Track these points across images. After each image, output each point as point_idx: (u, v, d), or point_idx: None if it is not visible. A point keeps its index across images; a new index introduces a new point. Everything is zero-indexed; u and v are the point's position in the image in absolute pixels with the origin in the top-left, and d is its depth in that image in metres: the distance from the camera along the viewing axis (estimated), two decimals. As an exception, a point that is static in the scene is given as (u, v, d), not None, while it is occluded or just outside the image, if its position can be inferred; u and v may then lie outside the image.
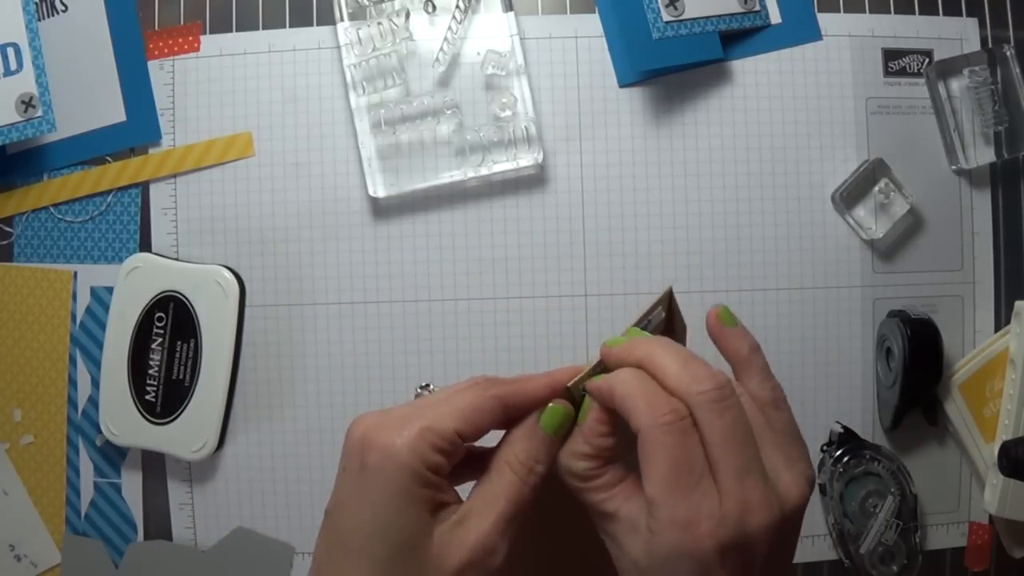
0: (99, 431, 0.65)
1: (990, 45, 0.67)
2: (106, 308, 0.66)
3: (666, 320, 0.40)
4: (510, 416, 0.36)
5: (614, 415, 0.35)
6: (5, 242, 0.67)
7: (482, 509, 0.34)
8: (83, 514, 0.67)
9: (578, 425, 0.36)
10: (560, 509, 0.38)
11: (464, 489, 0.37)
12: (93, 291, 0.67)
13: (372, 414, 0.35)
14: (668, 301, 0.40)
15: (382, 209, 0.66)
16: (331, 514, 0.35)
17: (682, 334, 0.42)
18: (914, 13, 0.67)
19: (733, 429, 0.33)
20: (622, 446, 0.35)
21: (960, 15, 0.68)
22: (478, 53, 0.65)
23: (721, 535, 0.31)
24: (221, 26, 0.67)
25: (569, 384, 0.36)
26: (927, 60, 0.67)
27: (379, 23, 0.64)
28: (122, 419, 0.64)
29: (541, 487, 0.36)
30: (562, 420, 0.36)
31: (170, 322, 0.64)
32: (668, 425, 0.33)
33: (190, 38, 0.67)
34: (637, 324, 0.38)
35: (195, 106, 0.66)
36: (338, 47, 0.65)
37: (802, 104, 0.67)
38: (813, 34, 0.67)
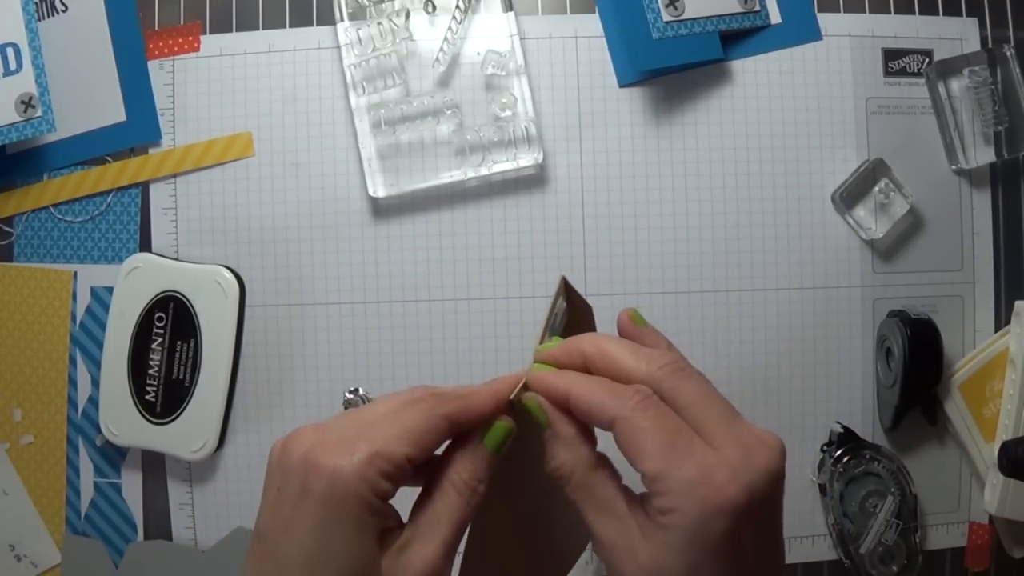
0: (99, 431, 0.65)
1: (990, 45, 0.67)
2: (106, 308, 0.66)
3: (569, 308, 0.41)
4: (454, 435, 0.35)
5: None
6: (5, 242, 0.67)
7: (426, 534, 0.33)
8: (83, 514, 0.67)
9: (542, 429, 0.35)
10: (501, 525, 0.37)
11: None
12: (93, 291, 0.67)
13: (309, 430, 0.33)
14: (565, 290, 0.40)
15: (382, 209, 0.66)
16: (267, 538, 0.32)
17: (589, 314, 0.42)
18: (914, 13, 0.67)
19: (704, 386, 0.34)
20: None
21: (960, 15, 0.68)
22: (478, 53, 0.65)
23: (740, 479, 0.31)
24: (221, 26, 0.67)
25: (512, 397, 0.35)
26: (927, 60, 0.67)
27: (379, 23, 0.64)
28: (122, 419, 0.64)
29: (481, 505, 0.35)
30: (505, 437, 0.35)
31: (170, 322, 0.64)
32: (641, 403, 0.33)
33: (190, 38, 0.67)
34: (547, 323, 0.38)
35: (195, 106, 0.66)
36: (338, 47, 0.65)
37: (802, 104, 0.67)
38: (813, 34, 0.67)
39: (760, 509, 0.31)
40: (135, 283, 0.65)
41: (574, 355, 0.36)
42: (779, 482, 0.32)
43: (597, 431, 0.36)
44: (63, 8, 0.66)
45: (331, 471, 0.31)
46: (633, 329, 0.39)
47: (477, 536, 0.37)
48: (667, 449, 0.32)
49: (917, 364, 0.62)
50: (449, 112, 0.65)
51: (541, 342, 0.37)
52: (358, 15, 0.65)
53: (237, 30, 0.67)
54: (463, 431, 0.35)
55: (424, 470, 0.35)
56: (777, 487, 0.32)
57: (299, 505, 0.32)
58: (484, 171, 0.65)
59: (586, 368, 0.36)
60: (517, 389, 0.35)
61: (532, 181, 0.66)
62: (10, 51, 0.62)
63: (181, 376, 0.64)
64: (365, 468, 0.31)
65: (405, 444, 0.33)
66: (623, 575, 0.33)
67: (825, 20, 0.67)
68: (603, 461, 0.36)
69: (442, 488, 0.34)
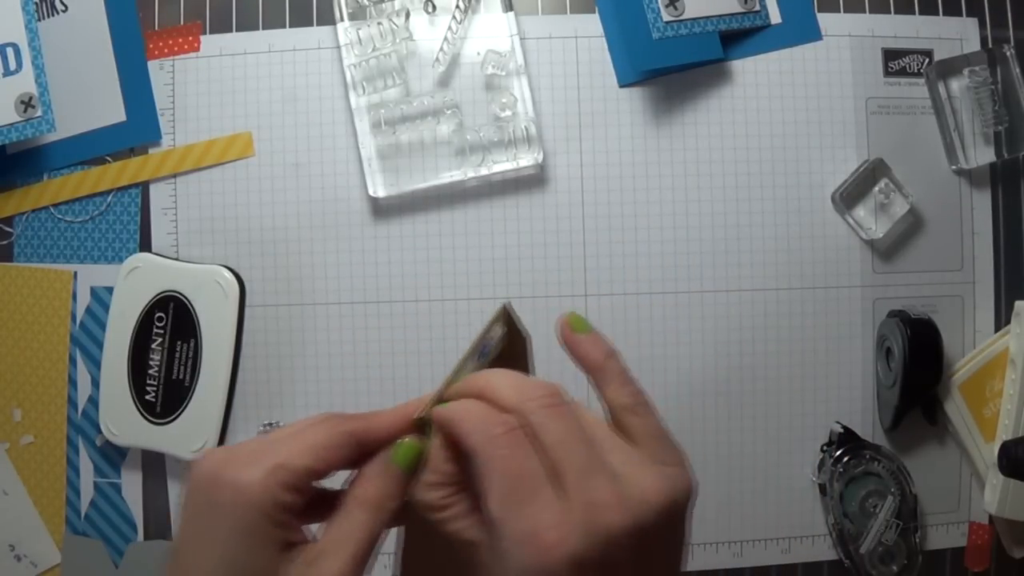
0: (99, 431, 0.65)
1: (990, 45, 0.67)
2: (106, 308, 0.66)
3: (507, 336, 0.40)
4: (362, 452, 0.35)
5: (457, 444, 0.34)
6: (5, 242, 0.67)
7: (334, 549, 0.33)
8: (83, 514, 0.67)
9: (422, 468, 0.35)
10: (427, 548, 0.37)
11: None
12: (93, 291, 0.67)
13: (219, 450, 0.34)
14: (506, 319, 0.39)
15: (382, 209, 0.66)
16: (176, 554, 0.33)
17: (523, 346, 0.41)
18: (914, 13, 0.67)
19: (570, 430, 0.32)
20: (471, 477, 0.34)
21: (960, 15, 0.68)
22: (478, 53, 0.65)
23: (570, 544, 0.29)
24: (221, 26, 0.67)
25: (415, 416, 0.36)
26: (927, 60, 0.67)
27: (379, 23, 0.64)
28: (122, 419, 0.64)
29: (391, 524, 0.35)
30: (413, 455, 0.35)
31: (170, 322, 0.64)
32: (499, 437, 0.31)
33: (190, 38, 0.67)
34: (473, 348, 0.37)
35: (195, 106, 0.66)
36: (338, 47, 0.65)
37: (802, 104, 0.67)
38: (813, 34, 0.67)
39: (598, 568, 0.29)
40: (135, 283, 0.65)
41: (470, 390, 0.35)
42: (631, 544, 0.30)
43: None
44: (63, 8, 0.66)
45: (234, 484, 0.32)
46: (570, 337, 0.38)
47: (419, 560, 0.38)
48: (507, 495, 0.30)
49: (917, 364, 0.62)
50: (449, 112, 0.65)
51: (460, 366, 0.37)
52: (358, 15, 0.65)
53: (237, 30, 0.67)
54: (370, 452, 0.36)
55: (332, 502, 0.35)
56: (626, 549, 0.30)
57: (205, 519, 0.32)
58: (484, 171, 0.65)
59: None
60: (424, 409, 0.35)
61: (532, 181, 0.66)
62: (10, 51, 0.62)
63: (181, 376, 0.64)
64: (267, 480, 0.32)
65: (306, 457, 0.33)
66: (491, 572, 0.32)
67: (825, 20, 0.67)
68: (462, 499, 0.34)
69: (349, 505, 0.35)
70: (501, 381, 0.35)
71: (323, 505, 0.35)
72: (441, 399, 0.36)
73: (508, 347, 0.40)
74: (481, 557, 0.32)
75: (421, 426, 0.36)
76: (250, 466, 0.32)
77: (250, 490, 0.32)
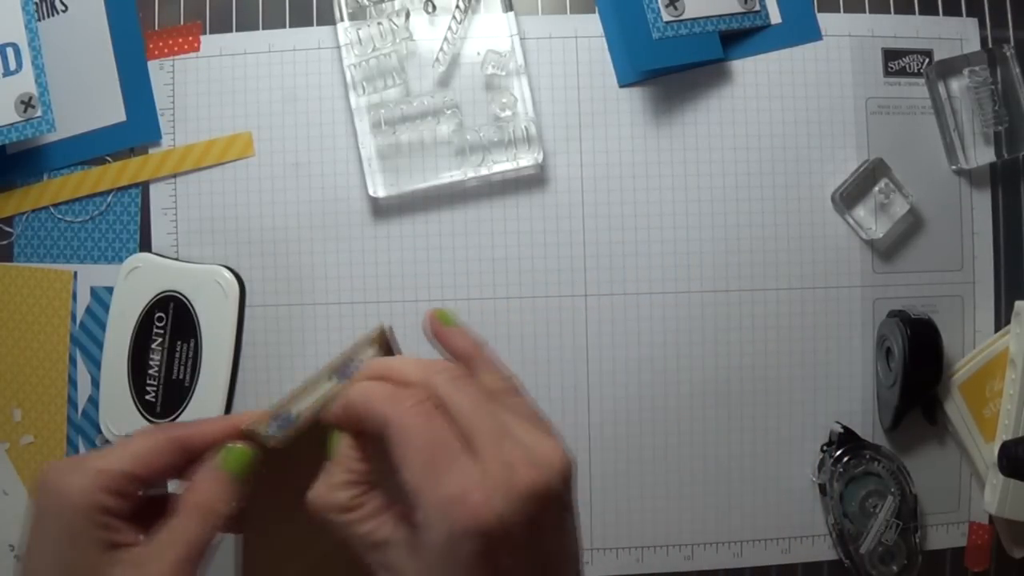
0: (99, 431, 0.65)
1: (990, 45, 0.67)
2: (106, 308, 0.66)
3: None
4: (190, 459, 0.36)
5: (366, 440, 0.34)
6: (5, 242, 0.67)
7: (160, 552, 0.34)
8: (83, 514, 0.67)
9: (330, 460, 0.35)
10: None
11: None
12: (93, 291, 0.67)
13: (54, 461, 0.36)
14: (383, 341, 0.39)
15: (382, 209, 0.66)
16: (22, 559, 0.34)
17: None
18: (914, 13, 0.67)
19: (477, 398, 0.33)
20: (381, 474, 0.34)
21: (960, 15, 0.68)
22: (478, 53, 0.65)
23: (496, 502, 0.30)
24: (221, 26, 0.67)
25: (243, 427, 0.36)
26: (927, 60, 0.67)
27: (379, 23, 0.64)
28: (122, 419, 0.64)
29: (221, 527, 0.35)
30: (242, 460, 0.36)
31: (170, 322, 0.64)
32: (412, 408, 0.32)
33: (190, 38, 0.67)
34: (332, 368, 0.37)
35: (195, 106, 0.66)
36: (338, 47, 0.65)
37: (802, 104, 0.67)
38: (813, 34, 0.67)
39: (521, 532, 0.31)
40: (135, 283, 0.65)
41: (371, 374, 0.36)
42: (546, 504, 0.31)
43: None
44: (63, 8, 0.66)
45: (57, 489, 0.34)
46: (440, 330, 0.39)
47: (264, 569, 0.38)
48: (427, 462, 0.31)
49: (917, 364, 0.62)
50: (449, 112, 0.65)
51: (312, 381, 0.37)
52: (358, 15, 0.65)
53: (237, 30, 0.67)
54: (198, 456, 0.37)
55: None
56: (544, 509, 0.31)
57: (39, 525, 0.34)
58: (484, 171, 0.65)
59: None
60: (254, 420, 0.36)
61: (532, 181, 0.66)
62: (10, 51, 0.62)
63: (181, 376, 0.64)
64: (88, 484, 0.34)
65: (127, 461, 0.35)
66: (404, 568, 0.33)
67: (825, 20, 0.67)
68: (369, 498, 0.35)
69: (179, 509, 0.35)
70: (402, 361, 0.36)
71: (162, 512, 0.36)
72: (279, 413, 0.36)
73: None
74: (394, 556, 0.33)
75: (249, 437, 0.36)
76: (73, 472, 0.34)
77: (72, 495, 0.34)
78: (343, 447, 0.35)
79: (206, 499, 0.35)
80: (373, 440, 0.34)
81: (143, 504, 0.36)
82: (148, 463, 0.35)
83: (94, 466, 0.34)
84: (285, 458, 0.36)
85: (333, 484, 0.35)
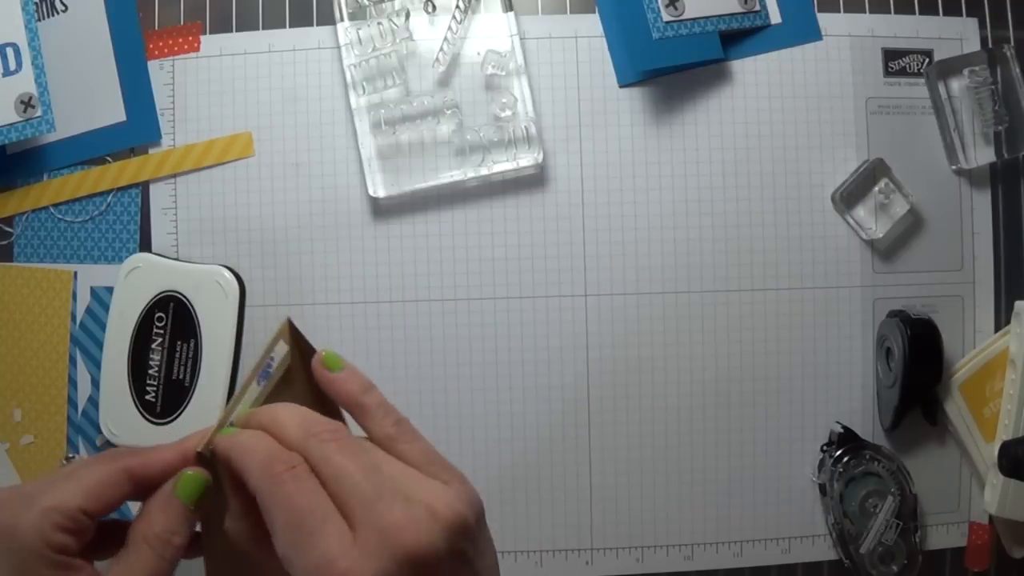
0: (99, 431, 0.65)
1: (990, 45, 0.67)
2: (106, 308, 0.66)
3: (292, 354, 0.39)
4: (143, 487, 0.35)
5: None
6: (5, 242, 0.67)
7: None
8: (83, 514, 0.67)
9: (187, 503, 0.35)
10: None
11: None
12: (93, 291, 0.67)
13: (3, 492, 0.34)
14: (290, 334, 0.38)
15: (382, 209, 0.66)
16: None
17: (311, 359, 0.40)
18: (914, 13, 0.67)
19: (353, 460, 0.32)
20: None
21: (960, 15, 0.68)
22: (478, 53, 0.65)
23: (364, 570, 0.29)
24: (221, 26, 0.67)
25: (198, 448, 0.35)
26: (927, 60, 0.67)
27: (379, 23, 0.64)
28: (122, 419, 0.64)
29: (179, 558, 0.35)
30: (196, 488, 0.35)
31: (170, 322, 0.64)
32: (280, 475, 0.32)
33: (190, 38, 0.67)
34: (253, 372, 0.37)
35: (195, 106, 0.66)
36: (338, 47, 0.65)
37: (802, 104, 0.67)
38: (813, 34, 0.67)
39: None
40: (135, 283, 0.65)
41: (257, 423, 0.35)
42: (432, 562, 0.30)
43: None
44: (63, 8, 0.66)
45: (5, 527, 0.32)
46: (325, 376, 0.38)
47: None
48: (294, 532, 0.30)
49: (917, 364, 0.62)
50: (449, 112, 0.65)
51: (242, 390, 0.36)
52: (358, 15, 0.65)
53: (237, 30, 0.67)
54: (151, 485, 0.35)
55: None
56: (430, 569, 0.30)
57: None
58: (484, 171, 0.65)
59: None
60: (204, 442, 0.35)
61: (532, 181, 0.66)
62: (10, 51, 0.62)
63: (181, 376, 0.64)
64: (38, 522, 0.32)
65: (79, 496, 0.33)
66: None
67: (825, 20, 0.67)
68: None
69: (134, 541, 0.34)
70: (286, 416, 0.34)
71: (115, 538, 0.35)
72: (223, 427, 0.35)
73: (296, 364, 0.39)
74: None
75: (205, 458, 0.35)
76: (21, 510, 0.33)
77: (21, 534, 0.32)
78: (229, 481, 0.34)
79: (161, 531, 0.34)
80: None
81: (93, 531, 0.34)
82: (99, 496, 0.34)
83: (44, 503, 0.33)
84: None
85: (235, 513, 0.34)
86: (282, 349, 0.38)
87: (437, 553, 0.31)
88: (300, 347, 0.39)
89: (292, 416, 0.34)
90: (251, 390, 0.37)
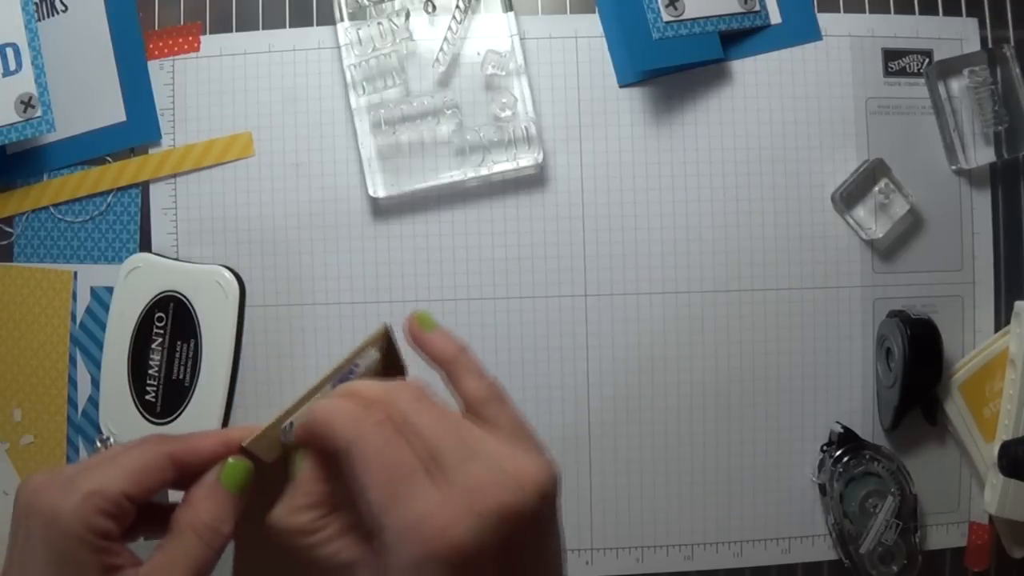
0: (99, 431, 0.65)
1: (990, 45, 0.67)
2: (106, 308, 0.66)
3: (383, 362, 0.38)
4: (184, 474, 0.35)
5: (328, 460, 0.33)
6: (5, 242, 0.67)
7: (160, 574, 0.33)
8: (83, 514, 0.67)
9: (292, 481, 0.34)
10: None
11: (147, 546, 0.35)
12: (93, 291, 0.67)
13: (40, 475, 0.33)
14: (385, 341, 0.37)
15: (382, 209, 0.66)
16: None
17: (401, 376, 0.39)
18: (914, 13, 0.67)
19: (443, 418, 0.32)
20: (343, 496, 0.33)
21: (960, 15, 0.68)
22: (478, 53, 0.65)
23: (459, 528, 0.29)
24: (221, 26, 0.67)
25: (244, 444, 0.34)
26: (927, 60, 0.67)
27: (379, 23, 0.64)
28: (122, 419, 0.64)
29: (225, 546, 0.34)
30: (243, 476, 0.34)
31: (170, 322, 0.64)
32: (371, 428, 0.31)
33: (190, 38, 0.67)
34: (334, 373, 0.36)
35: (195, 106, 0.66)
36: (338, 47, 0.65)
37: (802, 104, 0.67)
38: (813, 34, 0.67)
39: (490, 556, 0.29)
40: (135, 283, 0.65)
41: (333, 396, 0.35)
42: (518, 526, 0.30)
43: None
44: (63, 8, 0.66)
45: (48, 512, 0.32)
46: (420, 335, 0.37)
47: None
48: (388, 485, 0.30)
49: (917, 364, 0.62)
50: (449, 112, 0.65)
51: (316, 389, 0.36)
52: (358, 15, 0.65)
53: (237, 30, 0.67)
54: (194, 472, 0.35)
55: (166, 516, 0.35)
56: (515, 531, 0.30)
57: (26, 548, 0.32)
58: (484, 171, 0.65)
59: None
60: (254, 436, 0.34)
61: (532, 181, 0.66)
62: (10, 51, 0.62)
63: (181, 376, 0.64)
64: (81, 506, 0.32)
65: (122, 481, 0.33)
66: None
67: (825, 20, 0.67)
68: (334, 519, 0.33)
69: (180, 529, 0.34)
70: (366, 384, 0.34)
71: (156, 519, 0.35)
72: (281, 423, 0.34)
73: (382, 376, 0.38)
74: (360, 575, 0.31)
75: (247, 452, 0.35)
76: (64, 493, 0.32)
77: (63, 518, 0.32)
78: (304, 468, 0.34)
79: (208, 519, 0.34)
80: (335, 460, 0.33)
81: (134, 516, 0.34)
82: (141, 480, 0.33)
83: (86, 487, 0.32)
84: (277, 470, 0.35)
85: (293, 507, 0.33)
86: (371, 356, 0.37)
87: (525, 515, 0.30)
88: (390, 359, 0.38)
89: (372, 383, 0.34)
90: (324, 391, 0.36)
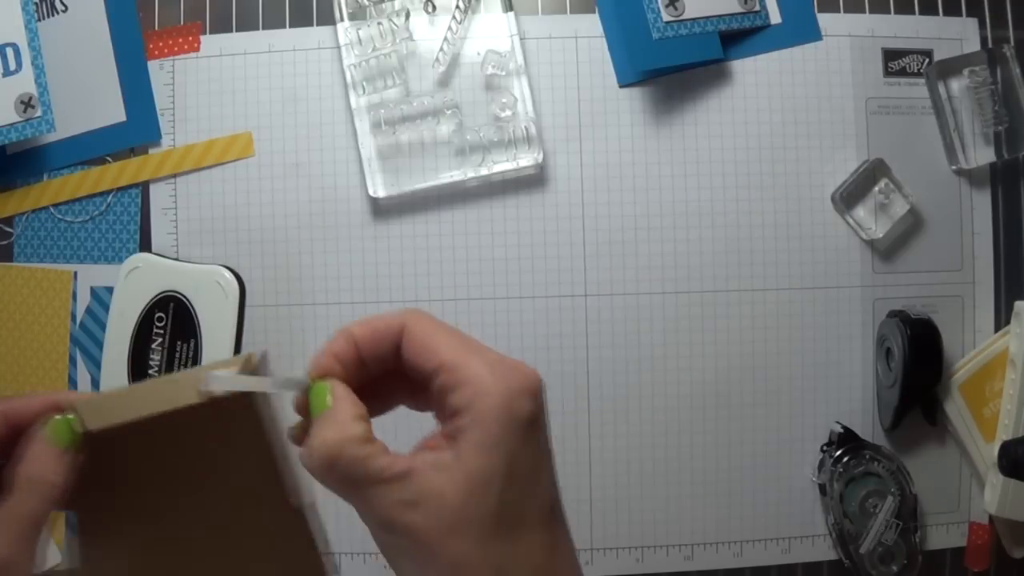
0: (99, 431, 0.65)
1: (990, 45, 0.67)
2: (106, 308, 0.66)
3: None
4: (14, 433, 0.36)
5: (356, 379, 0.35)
6: (5, 242, 0.67)
7: (2, 528, 0.33)
8: (83, 514, 0.67)
9: (323, 415, 0.33)
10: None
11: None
12: (93, 291, 0.67)
13: None
14: (248, 365, 0.35)
15: (382, 209, 0.66)
16: None
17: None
18: (914, 13, 0.67)
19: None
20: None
21: (960, 15, 0.68)
22: (478, 53, 0.65)
23: (536, 376, 0.33)
24: (221, 26, 0.67)
25: (63, 403, 0.35)
26: (927, 60, 0.67)
27: (379, 23, 0.64)
28: (122, 419, 0.64)
29: (61, 499, 0.35)
30: (65, 431, 0.35)
31: (170, 322, 0.64)
32: (421, 314, 0.35)
33: (190, 38, 0.67)
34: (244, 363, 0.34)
35: (195, 106, 0.66)
36: (338, 47, 0.65)
37: (802, 104, 0.67)
38: (813, 34, 0.67)
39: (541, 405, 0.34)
40: (135, 283, 0.65)
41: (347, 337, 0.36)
42: (536, 399, 0.33)
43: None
44: (63, 8, 0.66)
45: None
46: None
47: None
48: (461, 344, 0.33)
49: (917, 364, 0.62)
50: (449, 112, 0.65)
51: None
52: (358, 15, 0.65)
53: (237, 30, 0.67)
54: (23, 430, 0.36)
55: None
56: (536, 402, 0.33)
57: None
58: (484, 171, 0.65)
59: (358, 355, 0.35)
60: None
61: (532, 181, 0.66)
62: (10, 51, 0.62)
63: (181, 376, 0.64)
64: None
65: None
66: (437, 534, 0.31)
67: (825, 20, 0.67)
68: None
69: (16, 484, 0.35)
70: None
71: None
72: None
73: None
74: (423, 482, 0.31)
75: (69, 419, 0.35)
76: None
77: None
78: (339, 390, 0.34)
79: (39, 472, 0.35)
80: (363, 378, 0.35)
81: None
82: None
83: None
84: (115, 457, 0.36)
85: (343, 421, 0.32)
86: (229, 370, 0.34)
87: (540, 392, 0.33)
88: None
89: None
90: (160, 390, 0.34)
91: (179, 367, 0.64)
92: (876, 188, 0.66)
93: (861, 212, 0.67)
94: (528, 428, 0.32)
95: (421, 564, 0.32)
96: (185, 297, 0.64)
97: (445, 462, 0.32)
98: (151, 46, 0.67)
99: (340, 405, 0.33)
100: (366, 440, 0.32)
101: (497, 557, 0.32)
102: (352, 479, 0.32)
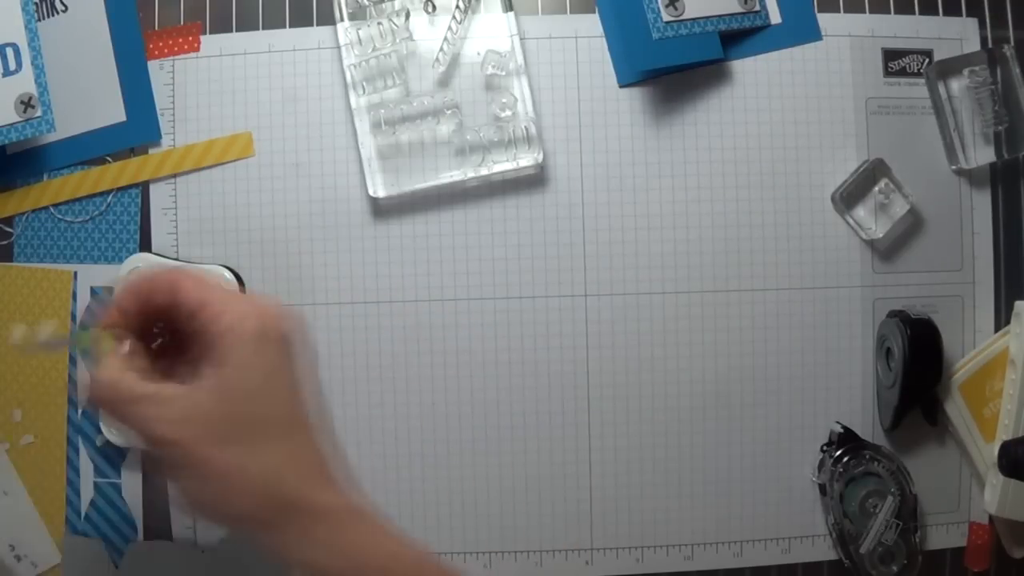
0: (99, 431, 0.65)
1: (990, 45, 0.67)
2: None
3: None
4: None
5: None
6: (5, 242, 0.67)
7: None
8: (83, 514, 0.67)
9: (108, 355, 0.42)
10: None
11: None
12: (93, 291, 0.67)
13: None
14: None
15: (382, 209, 0.66)
16: None
17: None
18: (914, 13, 0.67)
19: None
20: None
21: (960, 15, 0.68)
22: (478, 53, 0.65)
23: (279, 310, 0.42)
24: (221, 26, 0.67)
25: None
26: (927, 60, 0.67)
27: (379, 23, 0.64)
28: (122, 419, 0.64)
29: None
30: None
31: (170, 322, 0.64)
32: (187, 274, 0.43)
33: (190, 38, 0.67)
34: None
35: (195, 106, 0.66)
36: (338, 47, 0.65)
37: (802, 104, 0.67)
38: (813, 34, 0.67)
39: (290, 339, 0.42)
40: (135, 283, 0.65)
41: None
42: (292, 325, 0.43)
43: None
44: (63, 8, 0.66)
45: None
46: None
47: None
48: (224, 289, 0.42)
49: (917, 364, 0.62)
50: (449, 112, 0.65)
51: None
52: (358, 15, 0.65)
53: (237, 30, 0.67)
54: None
55: None
56: (286, 332, 0.42)
57: None
58: (484, 171, 0.65)
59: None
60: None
61: (532, 181, 0.66)
62: (10, 51, 0.62)
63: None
64: None
65: None
66: (198, 443, 0.39)
67: (825, 20, 0.67)
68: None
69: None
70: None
71: None
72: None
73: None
74: (189, 396, 0.40)
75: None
76: None
77: None
78: (120, 334, 0.43)
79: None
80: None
81: None
82: None
83: None
84: None
85: (122, 359, 0.42)
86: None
87: (293, 321, 0.43)
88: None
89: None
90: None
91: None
92: (876, 188, 0.66)
93: (861, 212, 0.67)
94: (281, 346, 0.41)
95: (189, 473, 0.39)
96: (185, 297, 0.64)
97: (207, 381, 0.39)
98: (151, 46, 0.67)
99: (120, 348, 0.42)
100: (140, 371, 0.41)
101: (242, 457, 0.39)
102: (127, 400, 0.40)
